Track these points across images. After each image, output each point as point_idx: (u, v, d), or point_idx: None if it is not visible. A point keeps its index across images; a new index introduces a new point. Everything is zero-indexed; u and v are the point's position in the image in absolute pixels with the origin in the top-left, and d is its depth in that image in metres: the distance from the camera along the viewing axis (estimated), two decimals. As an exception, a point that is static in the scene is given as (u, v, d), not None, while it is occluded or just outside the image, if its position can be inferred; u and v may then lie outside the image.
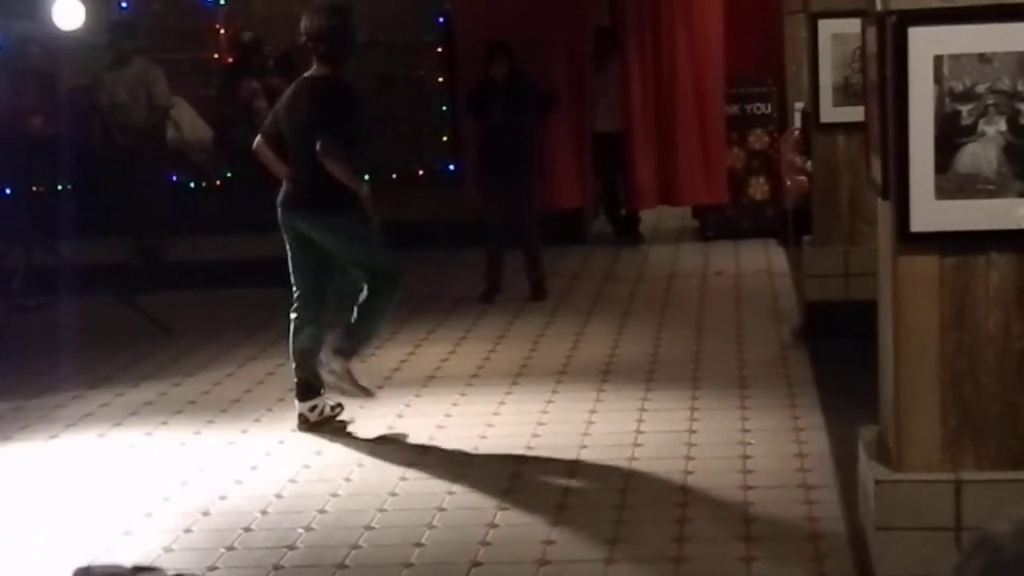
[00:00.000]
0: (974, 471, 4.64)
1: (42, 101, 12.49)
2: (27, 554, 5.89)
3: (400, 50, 13.39)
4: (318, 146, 7.16)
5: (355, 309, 7.43)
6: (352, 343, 7.50)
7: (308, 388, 7.54)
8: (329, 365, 7.45)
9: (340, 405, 7.60)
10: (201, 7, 13.99)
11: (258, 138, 7.62)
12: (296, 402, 7.57)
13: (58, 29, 10.52)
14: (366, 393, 7.63)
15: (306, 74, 7.52)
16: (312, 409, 7.51)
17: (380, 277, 7.42)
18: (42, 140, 12.39)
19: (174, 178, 13.34)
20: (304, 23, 7.39)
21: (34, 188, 12.53)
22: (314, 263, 7.45)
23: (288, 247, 7.49)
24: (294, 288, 7.53)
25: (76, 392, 8.51)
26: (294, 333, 7.54)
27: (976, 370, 4.63)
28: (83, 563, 5.69)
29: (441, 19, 13.62)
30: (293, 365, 7.59)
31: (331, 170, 7.19)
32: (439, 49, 13.62)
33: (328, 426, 7.47)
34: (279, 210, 7.44)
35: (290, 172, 7.46)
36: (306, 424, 7.50)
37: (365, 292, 7.42)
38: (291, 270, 7.52)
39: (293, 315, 7.55)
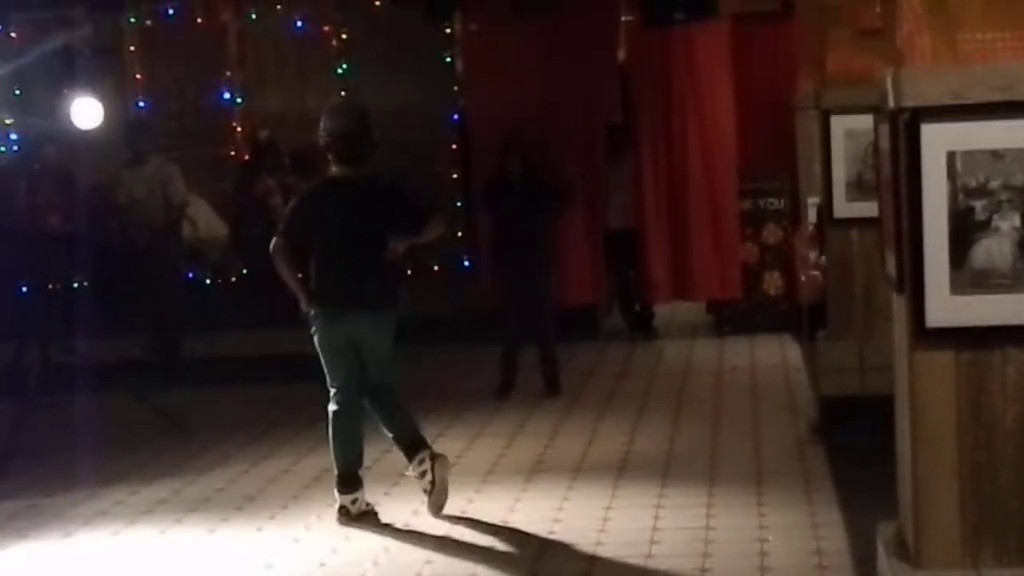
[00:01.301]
0: (994, 568, 4.61)
1: (59, 199, 12.55)
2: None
3: (414, 146, 13.48)
4: (397, 247, 7.55)
5: (387, 428, 7.68)
6: (412, 448, 7.63)
7: (412, 446, 7.63)
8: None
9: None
10: (218, 106, 14.14)
11: (277, 240, 7.50)
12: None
13: (76, 128, 10.60)
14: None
15: (331, 175, 7.64)
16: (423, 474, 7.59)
17: (386, 387, 7.63)
18: (59, 237, 12.44)
19: (190, 275, 13.40)
20: (323, 125, 7.51)
21: (50, 285, 12.57)
22: (355, 360, 7.56)
23: (330, 345, 7.52)
24: (334, 381, 7.60)
25: (91, 490, 8.48)
26: (357, 417, 7.62)
27: (995, 465, 4.61)
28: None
29: (455, 116, 13.73)
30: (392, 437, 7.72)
31: (389, 269, 7.56)
32: (453, 146, 13.72)
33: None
34: (334, 310, 7.47)
35: (334, 273, 7.48)
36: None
37: (381, 409, 7.64)
38: (332, 365, 7.57)
39: (339, 403, 7.58)
